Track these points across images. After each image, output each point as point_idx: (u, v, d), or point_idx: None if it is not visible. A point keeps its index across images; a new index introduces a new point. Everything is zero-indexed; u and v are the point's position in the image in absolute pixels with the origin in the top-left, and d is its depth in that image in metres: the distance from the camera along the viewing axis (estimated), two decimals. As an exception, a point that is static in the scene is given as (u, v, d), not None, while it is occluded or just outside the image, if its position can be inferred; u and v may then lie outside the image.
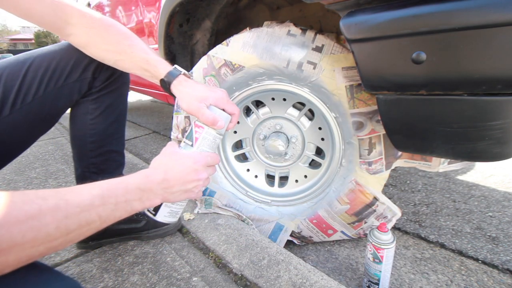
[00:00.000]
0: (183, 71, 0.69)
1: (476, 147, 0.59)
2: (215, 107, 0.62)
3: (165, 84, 0.67)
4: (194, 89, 0.65)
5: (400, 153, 0.82)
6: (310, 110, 0.94)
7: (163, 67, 0.68)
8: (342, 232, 0.95)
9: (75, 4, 0.64)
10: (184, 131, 1.05)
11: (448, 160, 0.78)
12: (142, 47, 0.69)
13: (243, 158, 1.13)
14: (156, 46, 1.27)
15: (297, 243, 1.02)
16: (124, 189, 0.47)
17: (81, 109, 0.80)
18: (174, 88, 0.66)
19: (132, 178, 0.49)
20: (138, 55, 0.68)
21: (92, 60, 0.73)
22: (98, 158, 0.87)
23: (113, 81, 0.79)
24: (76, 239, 0.41)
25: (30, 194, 0.38)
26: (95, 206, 0.42)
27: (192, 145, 0.59)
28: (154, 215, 0.58)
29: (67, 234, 0.39)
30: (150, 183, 0.50)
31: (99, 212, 0.43)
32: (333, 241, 1.04)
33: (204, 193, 1.08)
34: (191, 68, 1.00)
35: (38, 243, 0.36)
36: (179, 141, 1.03)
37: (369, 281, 0.79)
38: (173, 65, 0.70)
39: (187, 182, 0.54)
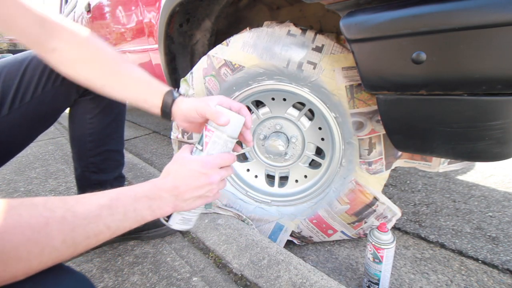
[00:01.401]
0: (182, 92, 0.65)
1: (476, 147, 0.59)
2: (221, 107, 0.59)
3: (170, 97, 0.61)
4: (196, 99, 0.61)
5: (400, 153, 0.82)
6: (310, 110, 0.94)
7: (162, 86, 0.62)
8: (342, 232, 0.95)
9: (64, 20, 0.59)
10: (184, 131, 1.05)
11: (448, 160, 0.78)
12: (137, 69, 0.62)
13: (243, 158, 1.13)
14: (156, 46, 1.27)
15: (297, 243, 1.02)
16: (132, 197, 0.45)
17: (80, 108, 0.80)
18: (179, 102, 0.60)
19: (140, 187, 0.48)
20: (131, 76, 0.61)
21: None
22: (98, 158, 0.87)
23: None
24: (83, 250, 0.40)
25: (38, 205, 0.37)
26: (103, 217, 0.41)
27: (202, 150, 0.56)
28: (167, 220, 0.57)
29: (74, 247, 0.38)
30: (159, 191, 0.48)
31: (108, 223, 0.42)
32: (333, 241, 1.03)
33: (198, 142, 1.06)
34: (191, 68, 1.00)
35: (45, 258, 0.35)
36: (188, 144, 1.03)
37: (369, 281, 0.79)
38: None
39: (199, 188, 0.51)
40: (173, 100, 0.61)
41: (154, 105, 0.61)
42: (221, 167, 0.55)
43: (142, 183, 0.49)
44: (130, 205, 0.44)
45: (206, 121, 0.59)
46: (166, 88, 0.62)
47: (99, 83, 0.61)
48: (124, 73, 0.61)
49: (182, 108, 0.60)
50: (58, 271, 0.38)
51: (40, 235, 0.35)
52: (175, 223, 0.56)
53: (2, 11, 0.52)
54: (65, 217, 0.38)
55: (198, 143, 0.58)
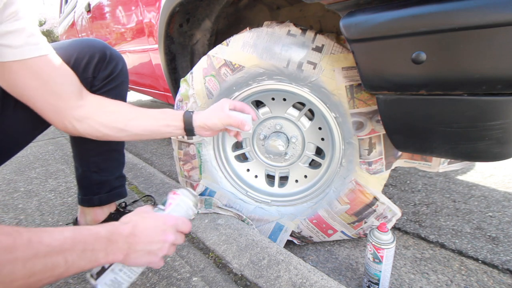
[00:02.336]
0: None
1: (476, 147, 0.59)
2: (235, 112, 0.74)
3: (189, 115, 0.74)
4: (211, 110, 0.75)
5: (400, 153, 0.82)
6: (310, 110, 0.94)
7: (177, 111, 0.75)
8: (342, 232, 0.95)
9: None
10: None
11: (448, 160, 0.78)
12: (149, 109, 0.74)
13: (243, 158, 1.13)
14: (156, 46, 1.27)
15: (297, 243, 1.02)
16: (94, 235, 0.46)
17: None
18: (197, 117, 0.74)
19: (103, 227, 0.49)
20: (148, 112, 0.72)
21: (91, 59, 0.73)
22: (99, 157, 0.87)
23: (112, 79, 0.79)
24: (33, 283, 0.39)
25: (7, 227, 0.38)
26: (64, 249, 0.42)
27: (164, 210, 0.60)
28: (96, 279, 0.54)
29: (30, 274, 0.38)
30: (118, 235, 0.49)
31: (66, 256, 0.42)
32: (333, 241, 1.04)
33: (204, 193, 1.08)
34: (191, 68, 1.00)
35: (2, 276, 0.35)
36: (187, 143, 1.03)
37: (369, 281, 0.79)
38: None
39: (153, 242, 0.52)
40: (192, 117, 0.73)
41: (176, 127, 0.73)
42: (178, 231, 0.57)
43: (104, 224, 0.50)
44: (90, 243, 0.45)
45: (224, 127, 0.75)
46: (180, 111, 0.74)
47: (121, 124, 0.69)
48: (142, 111, 0.72)
49: (203, 121, 0.73)
50: None
51: (6, 253, 0.35)
52: (104, 284, 0.53)
53: (48, 73, 0.60)
54: (30, 240, 0.39)
55: (162, 203, 0.62)
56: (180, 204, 0.60)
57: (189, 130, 0.73)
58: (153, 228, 0.53)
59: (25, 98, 0.61)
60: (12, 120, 0.66)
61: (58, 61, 0.62)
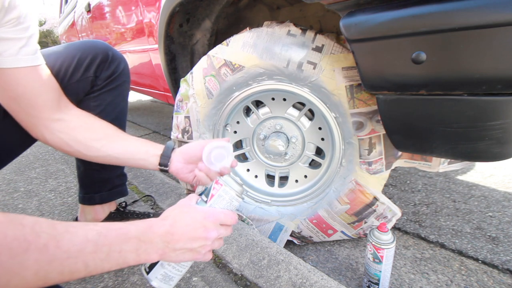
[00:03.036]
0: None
1: (476, 147, 0.59)
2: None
3: (170, 146, 0.70)
4: (189, 146, 0.70)
5: (400, 153, 0.82)
6: (310, 110, 0.94)
7: (158, 145, 0.71)
8: (342, 232, 0.95)
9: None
10: (184, 131, 1.05)
11: (448, 160, 0.78)
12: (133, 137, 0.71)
13: (243, 158, 1.13)
14: (156, 46, 1.27)
15: (297, 243, 1.02)
16: (122, 236, 0.42)
17: (83, 107, 0.81)
18: (179, 148, 0.69)
19: (134, 226, 0.45)
20: (129, 137, 0.70)
21: (93, 60, 0.74)
22: None
23: (114, 79, 0.80)
24: (52, 284, 0.38)
25: (26, 227, 0.36)
26: (85, 253, 0.39)
27: (206, 202, 0.55)
28: (148, 272, 0.52)
29: (44, 280, 0.36)
30: (151, 233, 0.45)
31: (87, 260, 0.39)
32: (333, 241, 1.03)
33: (203, 193, 1.08)
34: (191, 68, 1.00)
35: (8, 287, 0.34)
36: (186, 143, 1.03)
37: (369, 281, 0.79)
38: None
39: (193, 239, 0.48)
40: (173, 149, 0.69)
41: (155, 154, 0.68)
42: (221, 224, 0.52)
43: (137, 222, 0.46)
44: (117, 245, 0.41)
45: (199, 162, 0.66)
46: (162, 146, 0.70)
47: (99, 143, 0.67)
48: (123, 135, 0.70)
49: (182, 149, 0.68)
50: None
51: (14, 262, 0.33)
52: (155, 278, 0.52)
53: (24, 85, 0.59)
54: (47, 246, 0.36)
55: (204, 194, 0.57)
56: (222, 195, 0.55)
57: (165, 156, 0.68)
58: (193, 224, 0.48)
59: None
60: (14, 124, 0.66)
61: (40, 74, 0.61)
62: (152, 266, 0.52)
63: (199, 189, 1.04)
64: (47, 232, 0.37)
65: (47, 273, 0.36)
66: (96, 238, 0.40)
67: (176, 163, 0.67)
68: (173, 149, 0.69)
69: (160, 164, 0.67)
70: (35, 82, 0.60)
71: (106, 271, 0.42)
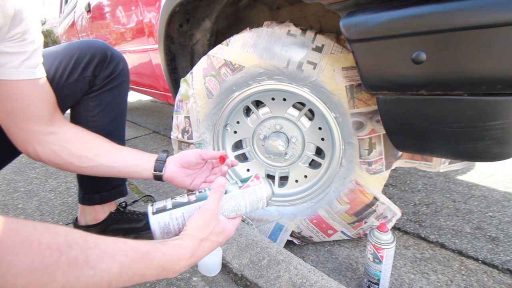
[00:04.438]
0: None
1: (476, 147, 0.59)
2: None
3: (163, 154, 0.68)
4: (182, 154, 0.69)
5: (400, 153, 0.82)
6: (310, 110, 0.94)
7: (152, 154, 0.69)
8: (342, 232, 0.95)
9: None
10: (184, 131, 1.05)
11: (449, 160, 0.78)
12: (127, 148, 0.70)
13: (243, 158, 1.13)
14: (156, 46, 1.27)
15: (297, 243, 1.02)
16: (147, 263, 0.43)
17: (82, 107, 0.81)
18: (172, 156, 0.69)
19: (160, 253, 0.44)
20: (123, 147, 0.69)
21: (92, 59, 0.73)
22: None
23: (113, 79, 0.80)
24: None
25: (60, 235, 0.36)
26: (110, 273, 0.39)
27: (240, 187, 0.58)
28: (153, 213, 0.54)
29: None
30: (176, 265, 0.46)
31: (111, 281, 0.39)
32: (333, 241, 1.03)
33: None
34: (191, 68, 1.00)
35: None
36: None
37: (369, 281, 0.79)
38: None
39: (212, 250, 0.51)
40: (168, 156, 0.68)
41: (148, 161, 0.67)
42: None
43: (166, 246, 0.46)
44: (141, 269, 0.42)
45: (200, 164, 0.68)
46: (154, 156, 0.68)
47: (91, 153, 0.66)
48: (117, 146, 0.69)
49: (178, 154, 0.68)
50: None
51: (45, 273, 0.33)
52: (157, 222, 0.53)
53: (22, 100, 0.57)
54: (76, 259, 0.36)
55: (241, 181, 0.60)
56: (256, 191, 0.58)
57: (159, 163, 0.67)
58: (216, 243, 0.50)
59: None
60: None
61: (38, 88, 0.60)
62: (160, 210, 0.54)
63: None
64: (79, 243, 0.37)
65: None
66: (123, 260, 0.40)
67: (172, 167, 0.67)
68: (167, 156, 0.68)
69: (155, 170, 0.66)
70: (33, 96, 0.59)
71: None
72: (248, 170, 1.10)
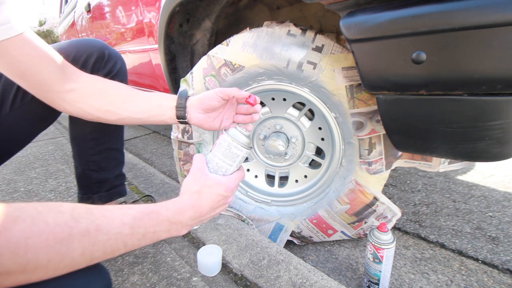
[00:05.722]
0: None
1: (476, 147, 0.59)
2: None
3: (183, 96, 0.66)
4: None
5: (400, 153, 0.82)
6: (310, 110, 0.94)
7: (170, 96, 0.68)
8: (342, 232, 0.95)
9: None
10: (184, 131, 1.05)
11: (449, 160, 0.78)
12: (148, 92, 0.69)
13: (243, 158, 1.13)
14: (156, 46, 1.27)
15: (297, 243, 1.02)
16: (154, 220, 0.47)
17: None
18: (192, 97, 0.66)
19: (164, 209, 0.49)
20: (143, 93, 0.68)
21: (89, 58, 0.73)
22: (98, 156, 0.87)
23: (110, 78, 0.79)
24: (98, 261, 0.41)
25: (65, 214, 0.38)
26: (123, 235, 0.42)
27: (211, 151, 0.59)
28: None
29: (90, 259, 0.39)
30: (181, 216, 0.50)
31: (126, 240, 0.43)
32: (333, 241, 1.03)
33: None
34: (191, 68, 1.00)
35: (61, 267, 0.36)
36: (188, 143, 1.02)
37: (369, 281, 0.79)
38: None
39: (218, 208, 0.55)
40: (187, 98, 0.66)
41: (169, 106, 0.66)
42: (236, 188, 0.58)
43: (166, 203, 0.50)
44: (151, 227, 0.46)
45: (222, 106, 0.64)
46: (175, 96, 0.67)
47: (114, 106, 0.65)
48: (136, 92, 0.68)
49: (198, 97, 0.65)
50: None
51: (62, 246, 0.36)
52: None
53: (24, 61, 0.55)
54: (88, 230, 0.38)
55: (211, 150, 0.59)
56: (222, 143, 0.57)
57: (180, 107, 0.65)
58: (219, 198, 0.53)
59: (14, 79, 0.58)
60: (11, 118, 0.66)
61: (31, 45, 0.56)
62: None
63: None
64: (85, 217, 0.39)
65: (92, 253, 0.39)
66: (132, 221, 0.44)
67: (196, 115, 0.65)
68: (186, 98, 0.66)
69: (178, 117, 0.66)
70: (29, 54, 0.56)
71: (142, 247, 0.49)
72: (248, 170, 1.10)
